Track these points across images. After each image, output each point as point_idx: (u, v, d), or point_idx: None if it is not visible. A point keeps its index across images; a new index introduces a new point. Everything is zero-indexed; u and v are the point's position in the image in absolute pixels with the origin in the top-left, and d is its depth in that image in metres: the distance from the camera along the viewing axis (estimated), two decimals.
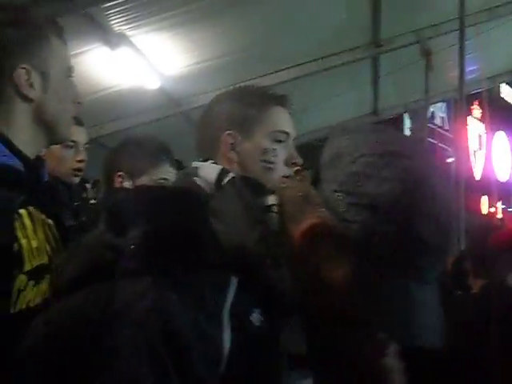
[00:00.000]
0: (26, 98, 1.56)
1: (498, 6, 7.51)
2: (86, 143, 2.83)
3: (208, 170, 1.38)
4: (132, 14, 5.13)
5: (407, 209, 1.00)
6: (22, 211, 1.42)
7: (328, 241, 1.05)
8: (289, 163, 1.77)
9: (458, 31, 5.95)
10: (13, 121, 1.55)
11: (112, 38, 5.23)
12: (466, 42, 5.90)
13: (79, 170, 2.81)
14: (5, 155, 1.48)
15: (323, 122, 9.80)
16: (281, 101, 1.64)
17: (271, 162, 1.68)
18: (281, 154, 1.67)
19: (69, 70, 1.64)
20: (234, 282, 1.09)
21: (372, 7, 6.67)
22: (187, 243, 1.07)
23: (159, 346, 0.96)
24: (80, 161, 2.79)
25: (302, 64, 7.14)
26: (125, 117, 6.91)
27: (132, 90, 5.95)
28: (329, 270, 1.05)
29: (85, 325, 0.98)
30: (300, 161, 1.79)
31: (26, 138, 1.56)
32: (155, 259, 1.04)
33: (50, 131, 1.59)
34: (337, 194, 1.06)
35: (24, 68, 1.55)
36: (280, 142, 1.69)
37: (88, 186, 3.59)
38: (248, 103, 1.53)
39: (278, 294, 1.15)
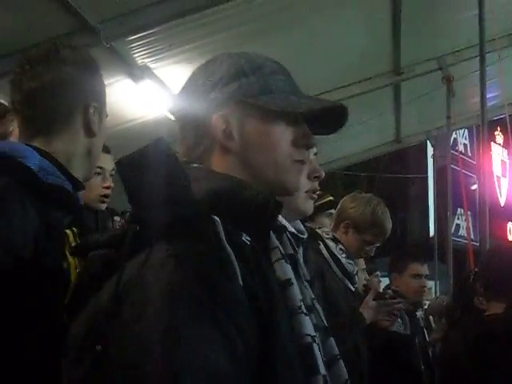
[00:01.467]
0: (91, 133, 1.69)
1: None
2: (113, 169, 2.87)
3: None
4: (154, 46, 5.20)
5: None
6: (68, 231, 1.51)
7: None
8: (311, 177, 1.80)
9: (478, 57, 5.95)
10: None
11: (135, 71, 5.31)
12: (487, 68, 5.88)
13: (106, 196, 2.86)
14: (57, 176, 1.57)
15: (346, 151, 9.82)
16: None
17: None
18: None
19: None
20: None
21: (392, 35, 6.71)
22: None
23: None
24: (107, 187, 2.85)
25: (325, 92, 7.17)
26: None
27: (156, 120, 6.00)
28: None
29: None
30: (322, 174, 1.81)
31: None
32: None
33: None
34: None
35: (93, 105, 1.69)
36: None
37: (117, 218, 3.63)
38: None
39: None
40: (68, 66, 1.65)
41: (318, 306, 1.36)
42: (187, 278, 1.02)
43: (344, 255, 3.04)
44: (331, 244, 3.05)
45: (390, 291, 3.51)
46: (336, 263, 3.01)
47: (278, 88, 1.32)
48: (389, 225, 3.24)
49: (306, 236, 1.72)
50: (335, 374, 1.29)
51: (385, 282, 5.98)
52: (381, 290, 4.67)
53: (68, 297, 1.24)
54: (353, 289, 3.09)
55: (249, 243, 1.15)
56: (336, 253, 3.02)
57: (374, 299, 3.22)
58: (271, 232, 1.26)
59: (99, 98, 1.72)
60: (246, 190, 1.21)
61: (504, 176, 20.98)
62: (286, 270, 1.23)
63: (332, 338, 1.34)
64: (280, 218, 1.39)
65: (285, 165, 1.31)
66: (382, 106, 8.55)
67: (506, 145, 20.35)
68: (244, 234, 1.16)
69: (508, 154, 20.27)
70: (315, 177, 1.83)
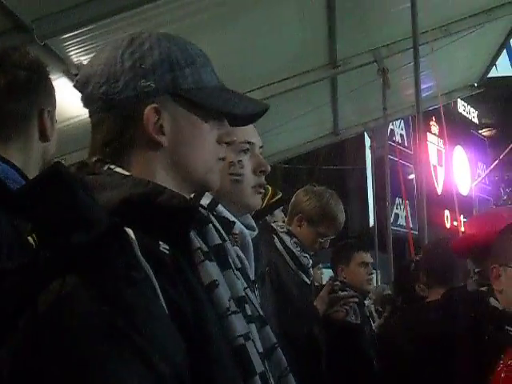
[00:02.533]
0: (45, 138, 1.70)
1: (450, 23, 7.67)
2: None
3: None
4: (90, 44, 5.13)
5: None
6: (30, 238, 1.49)
7: None
8: (257, 172, 1.80)
9: (412, 49, 6.05)
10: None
11: (72, 69, 5.23)
12: (421, 60, 6.00)
13: None
14: (20, 184, 1.55)
15: (285, 144, 9.87)
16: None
17: (239, 174, 1.72)
18: (248, 164, 1.71)
19: None
20: None
21: (328, 28, 6.76)
22: None
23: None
24: None
25: (262, 87, 7.19)
26: (84, 148, 6.88)
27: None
28: None
29: None
30: (268, 168, 1.82)
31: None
32: None
33: None
34: None
35: (47, 110, 1.69)
36: (246, 151, 1.75)
37: None
38: None
39: None
40: (21, 70, 1.62)
41: (251, 295, 1.29)
42: (101, 307, 0.95)
43: (298, 248, 3.05)
44: (285, 237, 3.07)
45: (338, 283, 3.54)
46: (290, 256, 3.02)
47: (208, 82, 1.27)
48: (342, 216, 3.27)
49: (256, 232, 1.72)
50: (274, 362, 1.25)
51: (327, 273, 6.04)
52: (323, 282, 4.72)
53: None
54: (308, 282, 3.11)
55: (167, 252, 1.09)
56: (290, 246, 3.04)
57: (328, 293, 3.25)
58: (191, 232, 1.19)
59: (51, 101, 1.71)
60: (160, 194, 1.12)
61: (440, 165, 21.38)
62: (209, 271, 1.16)
63: (268, 327, 1.29)
64: (221, 208, 1.38)
65: (211, 163, 1.27)
66: (319, 99, 8.60)
67: (441, 134, 20.72)
68: (161, 243, 1.09)
69: (443, 144, 20.64)
70: (261, 171, 1.83)
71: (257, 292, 1.48)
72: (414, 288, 3.46)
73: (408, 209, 13.21)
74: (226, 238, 1.30)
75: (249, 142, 1.77)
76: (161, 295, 1.01)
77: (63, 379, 0.91)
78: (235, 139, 1.33)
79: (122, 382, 0.91)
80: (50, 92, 1.71)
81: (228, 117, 1.31)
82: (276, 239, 3.05)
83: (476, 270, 2.66)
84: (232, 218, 1.43)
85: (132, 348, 0.93)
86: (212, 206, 1.30)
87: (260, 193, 1.83)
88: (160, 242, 1.09)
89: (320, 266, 6.36)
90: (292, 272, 3.00)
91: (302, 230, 3.18)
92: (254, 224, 1.77)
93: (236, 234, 1.38)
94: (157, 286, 1.01)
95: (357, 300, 3.38)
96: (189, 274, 1.11)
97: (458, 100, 21.15)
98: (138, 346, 0.94)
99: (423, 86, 6.13)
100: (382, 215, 11.35)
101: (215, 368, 1.05)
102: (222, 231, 1.29)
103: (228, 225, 1.37)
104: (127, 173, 1.19)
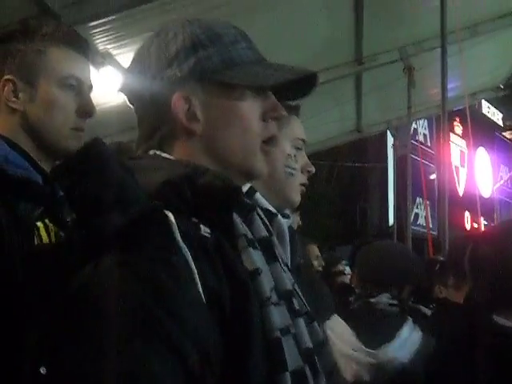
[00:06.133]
0: (12, 109, 1.60)
1: (479, 24, 7.60)
2: None
3: None
4: (117, 33, 5.14)
5: None
6: (39, 224, 1.45)
7: None
8: (304, 171, 1.80)
9: (439, 48, 6.01)
10: (9, 133, 1.59)
11: (97, 58, 5.24)
12: (448, 59, 5.95)
13: None
14: (25, 168, 1.52)
15: (308, 140, 9.84)
16: (295, 111, 1.68)
17: (294, 168, 1.72)
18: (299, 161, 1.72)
19: (67, 79, 1.66)
20: None
21: (355, 24, 6.73)
22: None
23: None
24: None
25: None
26: (112, 134, 6.89)
27: (118, 107, 5.95)
28: None
29: None
30: (313, 170, 1.82)
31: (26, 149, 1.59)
32: None
33: (40, 143, 1.62)
34: None
35: (9, 80, 1.60)
36: (299, 149, 1.77)
37: None
38: None
39: None
40: None
41: (299, 290, 1.23)
42: (135, 288, 0.94)
43: None
44: None
45: None
46: None
47: (240, 58, 1.21)
48: None
49: (291, 220, 1.69)
50: (323, 359, 1.18)
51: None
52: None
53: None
54: None
55: (209, 236, 1.05)
56: None
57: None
58: (236, 218, 1.13)
59: (20, 68, 1.61)
60: (202, 175, 1.08)
61: (462, 166, 21.25)
62: (253, 259, 1.10)
63: (316, 323, 1.22)
64: (259, 197, 1.31)
65: (253, 145, 1.20)
66: (343, 96, 8.56)
67: (464, 135, 20.60)
68: (203, 227, 1.05)
69: (466, 145, 20.52)
70: (307, 171, 1.85)
71: None
72: (432, 288, 3.41)
73: (428, 209, 13.14)
74: (272, 230, 1.25)
75: (303, 140, 1.80)
76: (199, 281, 0.98)
77: (88, 357, 0.90)
78: (283, 113, 1.25)
79: (147, 365, 0.90)
80: (20, 60, 1.61)
81: (278, 92, 1.24)
82: None
83: None
84: (273, 210, 1.38)
85: (161, 332, 0.92)
86: (250, 194, 1.24)
87: (302, 192, 1.83)
88: (201, 226, 1.05)
89: (343, 262, 6.33)
90: None
91: None
92: (288, 212, 1.73)
93: (273, 223, 1.33)
94: (195, 271, 0.98)
95: None
96: (231, 260, 1.06)
97: (483, 101, 20.99)
98: (168, 330, 0.92)
99: (449, 86, 6.07)
100: (403, 214, 11.29)
101: (250, 358, 1.01)
102: (267, 223, 1.24)
103: (270, 216, 1.32)
104: (171, 157, 1.18)
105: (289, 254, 1.42)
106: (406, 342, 2.58)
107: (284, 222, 1.46)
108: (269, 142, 1.24)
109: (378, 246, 3.09)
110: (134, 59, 1.26)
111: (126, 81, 1.27)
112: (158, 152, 1.20)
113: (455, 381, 2.18)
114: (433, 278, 3.50)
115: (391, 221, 16.01)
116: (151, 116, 1.22)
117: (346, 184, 20.29)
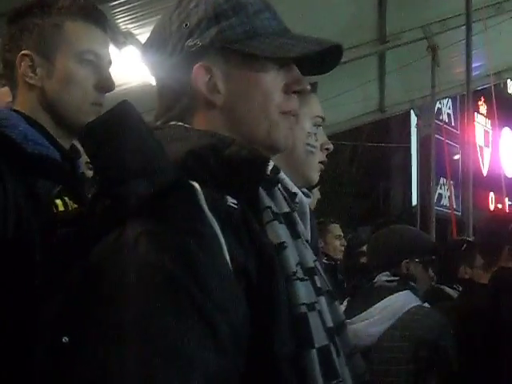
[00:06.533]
0: (30, 85, 1.59)
1: (504, 1, 7.50)
2: None
3: None
4: (138, 12, 5.14)
5: None
6: (58, 201, 1.45)
7: None
8: (323, 148, 1.79)
9: (464, 26, 5.93)
10: (28, 110, 1.58)
11: (118, 37, 5.24)
12: (473, 38, 5.89)
13: None
14: (44, 145, 1.51)
15: (329, 120, 9.79)
16: (313, 88, 1.65)
17: (314, 146, 1.71)
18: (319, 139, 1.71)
19: (84, 54, 1.63)
20: None
21: (378, 3, 6.66)
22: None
23: None
24: None
25: None
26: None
27: (140, 87, 5.95)
28: None
29: None
30: (332, 147, 1.80)
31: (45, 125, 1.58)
32: None
33: (59, 119, 1.60)
34: None
35: (26, 55, 1.57)
36: (318, 127, 1.75)
37: None
38: None
39: None
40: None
41: (320, 268, 1.21)
42: (162, 258, 0.91)
43: None
44: None
45: None
46: None
47: (264, 29, 1.17)
48: None
49: (311, 199, 1.67)
50: (344, 339, 1.17)
51: None
52: None
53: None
54: None
55: (236, 207, 1.02)
56: None
57: None
58: (261, 190, 1.11)
59: (38, 43, 1.60)
60: (229, 145, 1.05)
61: (487, 146, 21.04)
62: (278, 232, 1.08)
63: (337, 303, 1.22)
64: (283, 176, 1.28)
65: (274, 116, 1.16)
66: (366, 75, 8.50)
67: (489, 115, 20.39)
68: (229, 198, 1.02)
69: (491, 125, 20.31)
70: (326, 149, 1.84)
71: None
72: (457, 269, 3.39)
73: (452, 189, 13.05)
74: (294, 207, 1.23)
75: (322, 118, 1.79)
76: (226, 252, 0.96)
77: (114, 329, 0.89)
78: (306, 86, 1.21)
79: (178, 336, 0.88)
80: (37, 35, 1.60)
81: (300, 67, 1.20)
82: None
83: None
84: (294, 188, 1.36)
85: (191, 303, 0.90)
86: (274, 172, 1.20)
87: (320, 170, 1.81)
88: (228, 197, 1.03)
89: None
90: None
91: None
92: (308, 191, 1.72)
93: (296, 203, 1.30)
94: (223, 242, 0.96)
95: None
96: (257, 233, 1.04)
97: (508, 81, 20.77)
98: (198, 301, 0.91)
99: (473, 65, 6.01)
100: (426, 194, 11.23)
101: (276, 334, 0.99)
102: (288, 199, 1.22)
103: (292, 195, 1.29)
104: (195, 128, 1.15)
105: (309, 232, 1.40)
106: (383, 310, 2.57)
107: (306, 201, 1.43)
108: (290, 115, 1.21)
109: (384, 231, 3.06)
110: (154, 29, 1.23)
111: (146, 51, 1.24)
112: (180, 123, 1.17)
113: None
114: (459, 258, 3.47)
115: (414, 201, 15.92)
116: (171, 87, 1.19)
117: (368, 164, 20.20)
